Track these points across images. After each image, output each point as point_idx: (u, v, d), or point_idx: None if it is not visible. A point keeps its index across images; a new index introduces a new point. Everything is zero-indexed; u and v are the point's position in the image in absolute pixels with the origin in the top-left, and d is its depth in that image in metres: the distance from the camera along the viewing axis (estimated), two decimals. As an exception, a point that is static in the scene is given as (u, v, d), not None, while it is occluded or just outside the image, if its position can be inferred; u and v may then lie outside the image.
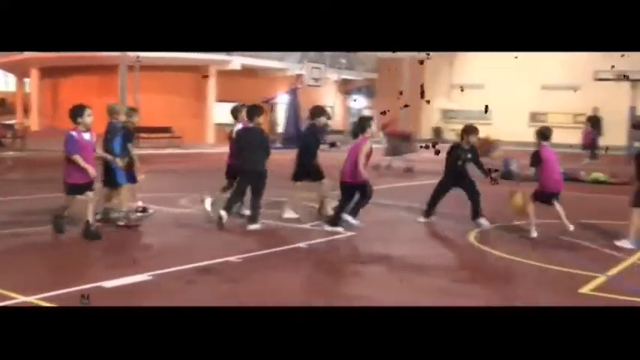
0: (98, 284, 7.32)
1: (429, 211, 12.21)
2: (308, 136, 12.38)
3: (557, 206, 11.07)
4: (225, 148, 12.54)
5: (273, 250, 9.48)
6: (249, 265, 8.49)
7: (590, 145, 30.59)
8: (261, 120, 11.54)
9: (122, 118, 11.33)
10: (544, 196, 11.08)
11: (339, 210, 11.15)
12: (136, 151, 11.68)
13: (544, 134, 11.21)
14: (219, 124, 35.26)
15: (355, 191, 11.14)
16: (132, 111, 11.97)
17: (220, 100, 35.22)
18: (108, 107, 11.28)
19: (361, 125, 11.55)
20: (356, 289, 7.62)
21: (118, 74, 29.43)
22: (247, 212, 11.42)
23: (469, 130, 11.90)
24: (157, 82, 32.81)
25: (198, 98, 35.64)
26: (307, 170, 11.98)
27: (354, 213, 11.24)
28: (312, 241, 10.11)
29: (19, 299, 6.63)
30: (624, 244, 10.14)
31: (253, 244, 9.77)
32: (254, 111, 11.47)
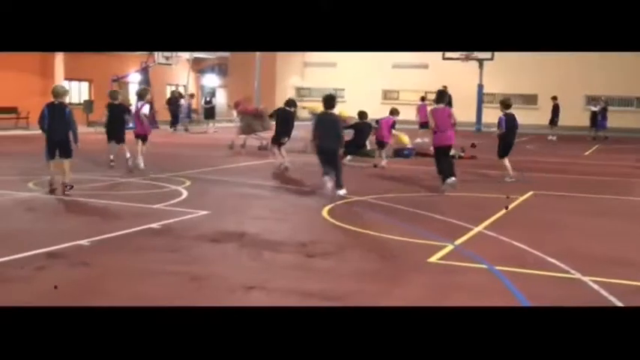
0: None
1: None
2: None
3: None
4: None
5: (125, 231, 9.24)
6: (99, 249, 8.27)
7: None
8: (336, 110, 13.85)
9: (66, 99, 12.76)
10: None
11: (449, 171, 13.55)
12: None
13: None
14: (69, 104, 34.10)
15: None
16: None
17: (69, 78, 34.01)
18: (55, 89, 12.70)
19: (441, 96, 14.14)
20: (208, 268, 7.55)
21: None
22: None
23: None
24: (-2, 60, 31.18)
25: (45, 77, 34.19)
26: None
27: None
28: (166, 221, 9.95)
29: None
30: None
31: (104, 226, 9.50)
32: (331, 101, 13.30)
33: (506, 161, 15.58)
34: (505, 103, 15.71)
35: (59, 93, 12.52)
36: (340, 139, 12.94)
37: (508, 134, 15.57)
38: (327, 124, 12.92)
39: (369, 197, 12.50)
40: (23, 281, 6.86)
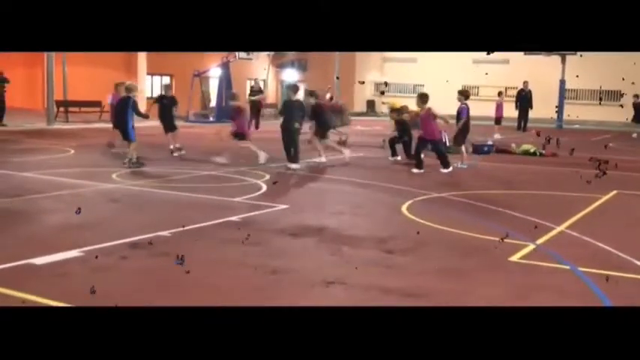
0: (28, 261, 7.16)
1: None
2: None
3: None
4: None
5: (205, 224, 9.35)
6: (179, 240, 8.38)
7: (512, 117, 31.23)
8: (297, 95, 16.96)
9: (136, 94, 15.72)
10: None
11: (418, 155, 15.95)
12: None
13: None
14: (150, 98, 34.69)
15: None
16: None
17: (151, 73, 34.66)
18: (127, 85, 15.83)
19: (422, 98, 16.28)
20: (286, 262, 7.57)
21: (43, 46, 28.54)
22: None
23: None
24: (84, 55, 31.90)
25: (128, 71, 34.95)
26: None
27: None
28: (245, 215, 10.04)
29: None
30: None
31: (185, 218, 9.60)
32: (293, 88, 16.95)
33: (464, 148, 17.13)
34: (465, 94, 17.30)
35: (128, 89, 15.63)
36: (301, 120, 16.15)
37: (467, 123, 16.95)
38: (294, 108, 16.13)
39: (448, 194, 12.38)
40: (105, 270, 7.00)
